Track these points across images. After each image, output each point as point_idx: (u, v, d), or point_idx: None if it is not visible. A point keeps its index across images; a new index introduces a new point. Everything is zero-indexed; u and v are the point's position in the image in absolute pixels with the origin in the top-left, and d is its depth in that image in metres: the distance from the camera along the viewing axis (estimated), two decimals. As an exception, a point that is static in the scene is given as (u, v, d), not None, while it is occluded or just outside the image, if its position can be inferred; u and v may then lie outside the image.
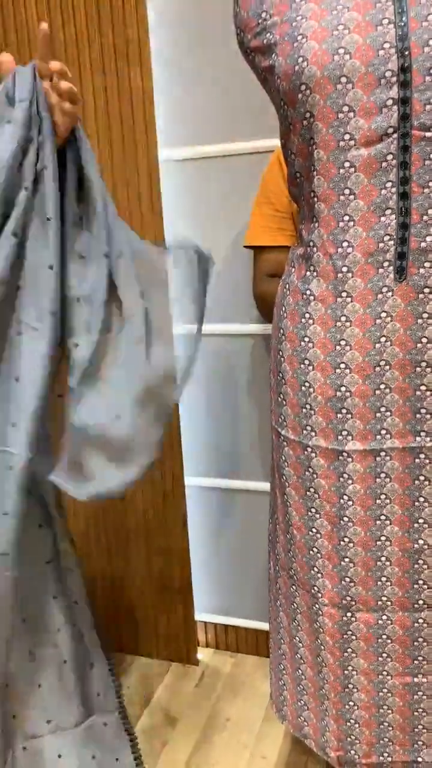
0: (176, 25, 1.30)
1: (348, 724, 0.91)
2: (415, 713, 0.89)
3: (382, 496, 0.80)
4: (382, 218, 0.72)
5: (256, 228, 1.20)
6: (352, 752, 0.93)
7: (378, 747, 0.92)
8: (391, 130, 0.70)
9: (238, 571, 1.60)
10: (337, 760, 0.94)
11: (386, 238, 0.73)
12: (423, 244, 0.72)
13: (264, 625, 1.56)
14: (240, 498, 1.55)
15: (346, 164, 0.72)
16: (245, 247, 1.24)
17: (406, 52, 0.67)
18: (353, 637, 0.86)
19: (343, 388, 0.78)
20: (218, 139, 1.33)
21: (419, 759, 0.92)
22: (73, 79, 1.27)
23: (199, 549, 1.61)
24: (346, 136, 0.71)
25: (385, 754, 0.92)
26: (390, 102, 0.69)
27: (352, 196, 0.73)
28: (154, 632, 1.64)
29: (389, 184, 0.71)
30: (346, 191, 0.73)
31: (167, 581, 1.59)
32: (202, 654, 1.66)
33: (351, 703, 0.90)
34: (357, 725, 0.91)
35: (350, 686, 0.89)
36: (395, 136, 0.70)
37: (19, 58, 1.28)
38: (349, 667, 0.88)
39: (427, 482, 0.79)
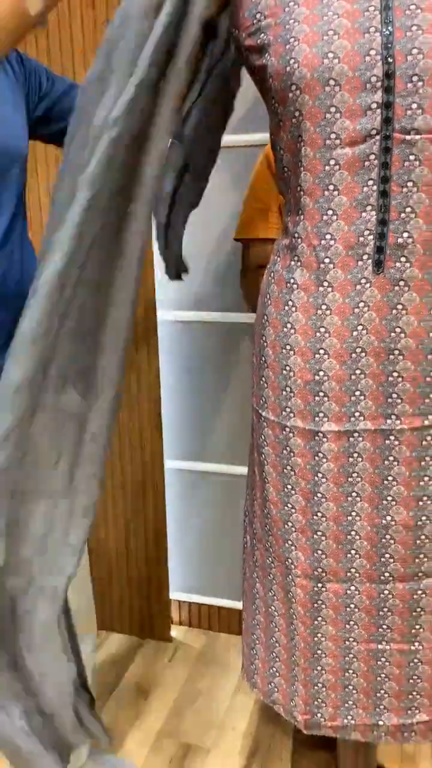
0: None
1: (315, 688, 0.97)
2: (378, 678, 0.95)
3: (354, 475, 0.86)
4: (363, 214, 0.77)
5: (245, 221, 1.24)
6: (318, 715, 0.99)
7: (342, 710, 0.98)
8: (374, 132, 0.75)
9: (213, 551, 1.65)
10: (304, 723, 1.00)
11: (366, 232, 0.78)
12: (400, 240, 0.77)
13: (236, 604, 1.62)
14: (215, 481, 1.60)
15: (332, 162, 0.77)
16: (235, 239, 1.29)
17: (391, 60, 0.72)
18: (323, 606, 0.92)
19: (321, 373, 0.83)
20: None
21: (380, 722, 0.98)
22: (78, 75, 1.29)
23: (175, 529, 1.66)
24: (333, 135, 0.76)
25: (349, 717, 0.98)
26: (374, 105, 0.74)
27: (336, 192, 0.78)
28: (129, 609, 1.69)
29: (371, 182, 0.77)
30: (330, 187, 0.78)
31: (143, 560, 1.64)
32: (176, 631, 1.71)
33: (319, 668, 0.96)
34: (324, 689, 0.97)
35: (319, 652, 0.95)
36: (378, 137, 0.75)
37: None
38: (319, 634, 0.94)
39: (396, 462, 0.84)
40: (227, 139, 1.35)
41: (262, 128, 1.21)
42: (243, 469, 1.44)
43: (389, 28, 0.72)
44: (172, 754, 1.34)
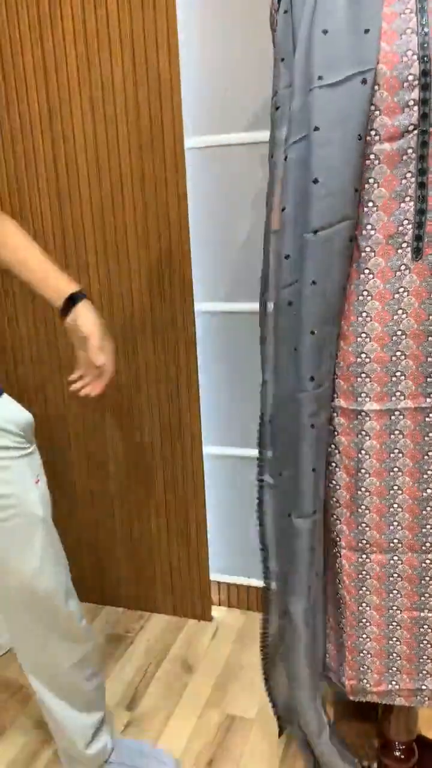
0: (202, 17, 1.38)
1: (361, 655, 1.03)
2: (421, 645, 1.00)
3: (396, 451, 0.91)
4: (402, 205, 0.82)
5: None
6: (364, 681, 1.05)
7: (387, 676, 1.04)
8: (411, 128, 0.80)
9: (249, 534, 1.71)
10: (350, 688, 1.06)
11: (405, 222, 0.83)
12: (437, 228, 0.82)
13: (274, 584, 1.68)
14: (253, 464, 1.66)
15: (372, 156, 0.82)
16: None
17: (427, 59, 0.77)
18: (367, 577, 0.98)
19: (363, 355, 0.89)
20: (239, 128, 1.42)
21: (423, 687, 1.04)
22: (103, 63, 1.35)
23: (213, 513, 1.72)
24: (372, 132, 0.81)
25: (393, 683, 1.04)
26: (411, 102, 0.79)
27: (375, 185, 0.83)
28: (171, 591, 1.76)
29: (409, 175, 0.81)
30: (371, 180, 0.83)
31: (184, 544, 1.71)
32: (216, 612, 1.78)
33: (364, 636, 1.01)
34: (369, 656, 1.03)
35: (364, 620, 1.00)
36: (415, 132, 0.80)
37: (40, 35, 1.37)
38: (363, 603, 0.99)
39: (436, 438, 0.89)
40: (261, 135, 1.40)
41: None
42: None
43: (425, 29, 0.77)
44: (218, 724, 1.40)
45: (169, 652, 1.64)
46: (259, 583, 1.73)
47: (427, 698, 1.05)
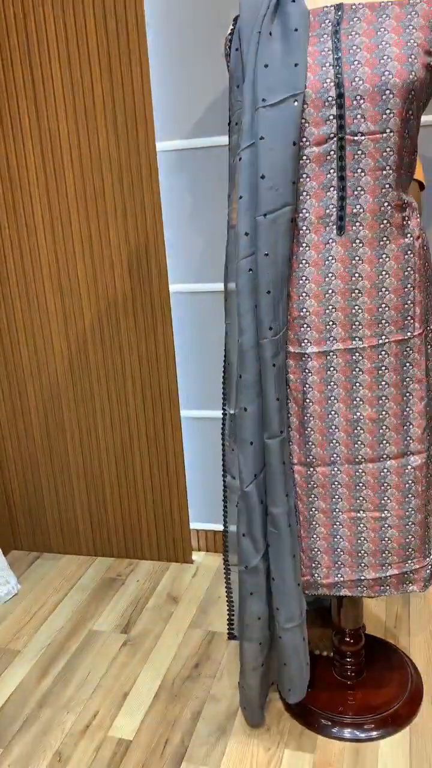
0: (170, 35, 1.64)
1: (312, 552, 1.29)
2: (358, 540, 1.27)
3: (332, 384, 1.18)
4: (328, 193, 1.09)
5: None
6: (316, 575, 1.31)
7: (333, 570, 1.30)
8: (332, 135, 1.06)
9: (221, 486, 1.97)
10: (305, 583, 1.32)
11: (331, 206, 1.10)
12: (354, 210, 1.09)
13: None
14: (224, 425, 1.92)
15: (304, 157, 1.08)
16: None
17: (340, 85, 1.04)
18: (315, 486, 1.24)
19: (304, 310, 1.15)
20: (201, 134, 1.68)
21: (362, 577, 1.30)
22: (82, 74, 1.59)
23: (191, 469, 1.98)
24: (303, 139, 1.07)
25: (339, 575, 1.31)
26: (331, 117, 1.05)
27: (308, 179, 1.09)
28: (156, 540, 2.01)
29: (332, 170, 1.08)
30: (304, 175, 1.09)
31: (167, 498, 1.96)
32: (196, 555, 2.03)
33: (314, 536, 1.28)
34: (319, 553, 1.29)
35: (314, 523, 1.27)
36: (335, 139, 1.06)
37: (28, 53, 1.62)
38: (313, 509, 1.26)
39: (360, 372, 1.16)
40: (218, 140, 1.67)
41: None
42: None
43: (339, 63, 1.04)
44: (201, 638, 1.66)
45: (156, 589, 1.89)
46: (232, 528, 2.00)
47: (365, 588, 1.31)
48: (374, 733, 1.36)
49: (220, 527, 2.01)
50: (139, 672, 1.56)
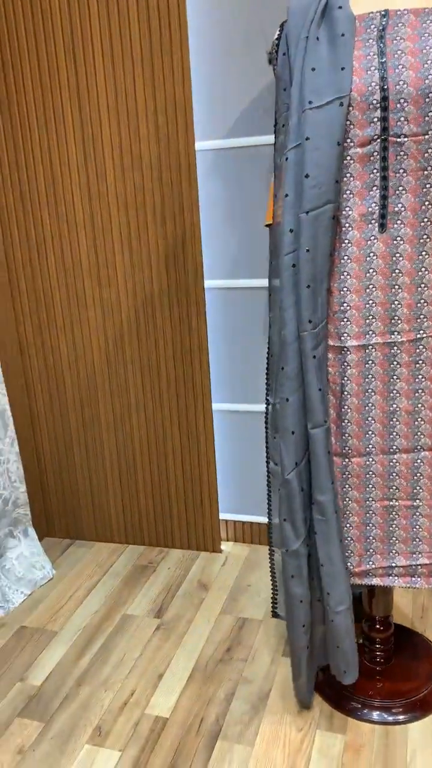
0: (211, 36, 1.69)
1: (345, 542, 1.33)
2: (390, 528, 1.31)
3: (369, 376, 1.22)
4: (371, 192, 1.13)
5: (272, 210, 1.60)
6: (348, 563, 1.35)
7: (365, 557, 1.35)
8: (375, 137, 1.10)
9: (252, 478, 2.02)
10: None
11: (373, 204, 1.14)
12: (395, 209, 1.13)
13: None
14: (254, 418, 1.97)
15: (348, 158, 1.13)
16: (265, 225, 1.64)
17: (385, 89, 1.08)
18: (350, 476, 1.28)
19: (344, 304, 1.20)
20: (240, 134, 1.73)
21: (393, 564, 1.35)
22: (125, 74, 1.64)
23: (221, 461, 2.03)
24: (348, 140, 1.12)
25: (370, 563, 1.35)
26: (375, 119, 1.10)
27: (351, 178, 1.13)
28: (186, 529, 2.06)
29: (375, 171, 1.12)
30: (348, 175, 1.13)
31: (198, 489, 2.01)
32: (224, 546, 2.08)
33: (348, 525, 1.32)
34: (352, 542, 1.33)
35: (348, 513, 1.31)
36: (378, 140, 1.11)
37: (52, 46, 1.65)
38: (347, 499, 1.30)
39: (398, 365, 1.21)
40: (261, 138, 1.71)
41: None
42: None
43: (384, 67, 1.08)
44: (232, 624, 1.71)
45: (187, 576, 1.94)
46: (259, 519, 2.05)
47: (396, 576, 1.36)
48: (402, 717, 1.40)
49: (248, 518, 2.06)
50: (173, 655, 1.62)
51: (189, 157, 1.73)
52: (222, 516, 2.08)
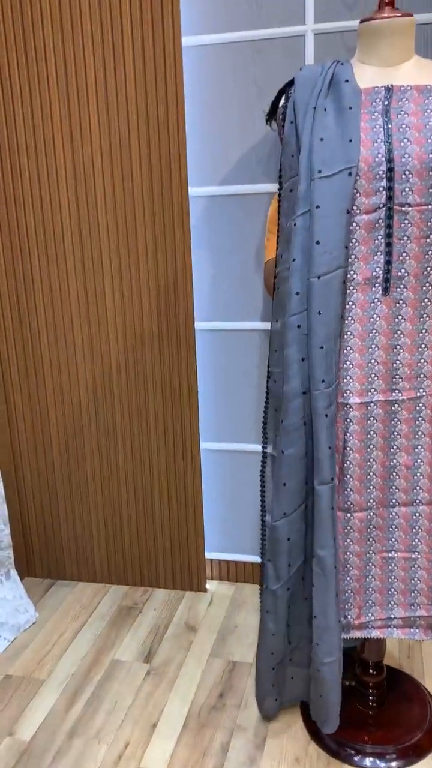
0: (206, 86, 1.72)
1: (346, 595, 1.35)
2: (389, 580, 1.34)
3: (371, 432, 1.25)
4: (375, 257, 1.17)
5: (273, 248, 1.63)
6: (348, 617, 1.37)
7: (365, 609, 1.37)
8: (381, 205, 1.15)
9: (238, 518, 2.03)
10: (336, 620, 1.38)
11: (377, 269, 1.18)
12: (399, 274, 1.17)
13: (255, 558, 2.00)
14: (241, 457, 1.98)
15: (354, 224, 1.16)
16: (266, 262, 1.67)
17: (391, 160, 1.12)
18: (351, 530, 1.31)
19: (348, 363, 1.23)
20: (236, 182, 1.76)
21: (392, 615, 1.37)
22: (119, 117, 1.66)
23: (208, 501, 2.03)
24: (354, 207, 1.15)
25: (370, 614, 1.37)
26: (381, 188, 1.14)
27: (357, 244, 1.17)
28: (171, 569, 2.06)
29: (379, 237, 1.16)
30: (354, 240, 1.17)
31: (184, 529, 2.01)
32: (210, 585, 2.08)
33: (348, 579, 1.34)
34: (352, 594, 1.36)
35: (348, 566, 1.33)
36: (384, 208, 1.15)
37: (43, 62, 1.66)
38: (348, 552, 1.32)
39: (398, 422, 1.24)
40: (258, 187, 1.75)
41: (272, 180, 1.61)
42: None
43: (389, 140, 1.12)
44: (223, 668, 1.71)
45: (173, 617, 1.93)
46: (244, 557, 2.06)
47: (395, 628, 1.38)
48: (395, 764, 1.42)
49: (233, 557, 2.07)
50: (165, 701, 1.61)
51: (182, 202, 1.74)
52: (207, 555, 2.08)
